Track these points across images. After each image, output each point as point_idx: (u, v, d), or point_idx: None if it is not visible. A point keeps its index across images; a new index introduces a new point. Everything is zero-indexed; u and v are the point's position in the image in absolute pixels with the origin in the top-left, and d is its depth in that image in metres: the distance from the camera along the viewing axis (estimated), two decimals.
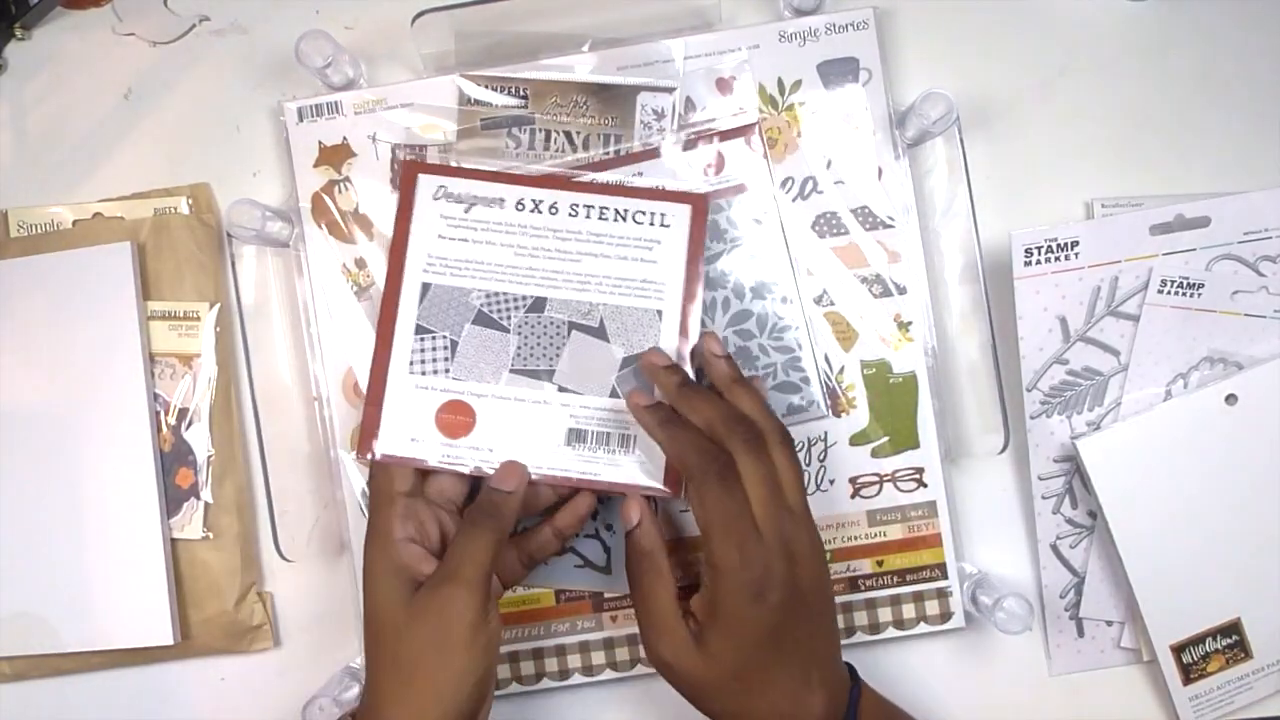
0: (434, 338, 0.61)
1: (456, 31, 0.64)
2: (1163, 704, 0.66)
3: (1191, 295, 0.63)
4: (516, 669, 0.65)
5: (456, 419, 0.61)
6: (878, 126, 0.65)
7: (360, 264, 0.65)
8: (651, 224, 0.62)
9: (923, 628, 0.65)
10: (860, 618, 0.65)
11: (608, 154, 0.64)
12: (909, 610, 0.65)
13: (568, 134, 0.64)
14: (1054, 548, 0.66)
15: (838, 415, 0.65)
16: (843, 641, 0.64)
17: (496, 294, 0.62)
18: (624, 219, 0.62)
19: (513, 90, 0.64)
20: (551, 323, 0.62)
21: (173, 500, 0.66)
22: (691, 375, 0.61)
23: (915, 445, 0.64)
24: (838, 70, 0.65)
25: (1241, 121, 0.67)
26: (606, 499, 0.64)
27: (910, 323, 0.64)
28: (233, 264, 0.64)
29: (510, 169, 0.64)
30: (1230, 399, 0.63)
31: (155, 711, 0.67)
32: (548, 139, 0.64)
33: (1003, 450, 0.63)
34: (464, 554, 0.55)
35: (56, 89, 0.69)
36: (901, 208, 0.64)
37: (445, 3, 0.63)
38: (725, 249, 0.64)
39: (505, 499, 0.58)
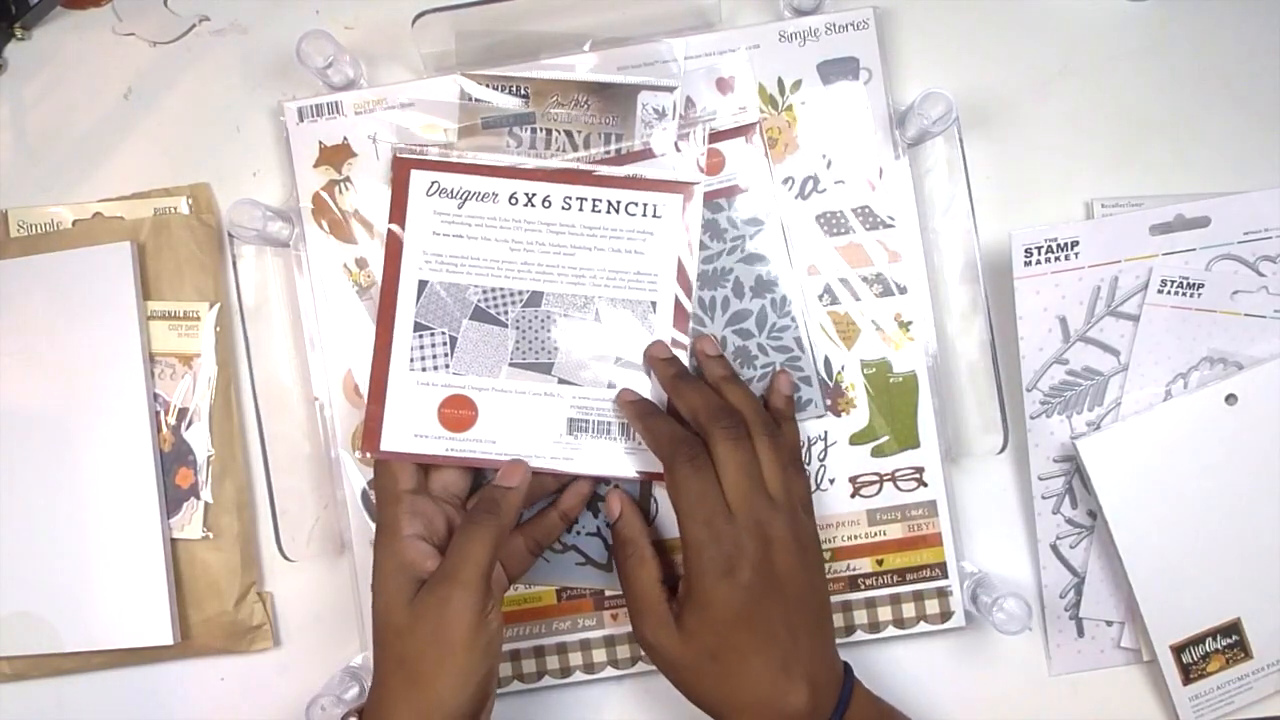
0: (432, 334, 0.62)
1: (457, 31, 0.64)
2: (1163, 704, 0.66)
3: (1191, 295, 0.64)
4: (518, 667, 0.65)
5: (459, 413, 0.62)
6: (878, 126, 0.65)
7: (361, 264, 0.65)
8: (644, 215, 0.63)
9: (923, 627, 0.65)
10: (860, 617, 0.65)
11: (608, 152, 0.64)
12: (909, 609, 0.65)
13: (568, 133, 0.64)
14: (1054, 548, 0.66)
15: (838, 414, 0.65)
16: (843, 640, 0.65)
17: (493, 289, 0.63)
18: (616, 211, 0.63)
19: (513, 89, 0.64)
20: (549, 316, 0.63)
21: (173, 500, 0.66)
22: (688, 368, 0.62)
23: (915, 444, 0.64)
24: (838, 70, 0.65)
25: (1241, 121, 0.67)
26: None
27: (911, 322, 0.64)
28: (233, 264, 0.64)
29: (502, 162, 0.64)
30: (1230, 399, 0.63)
31: (155, 711, 0.67)
32: (548, 138, 0.64)
33: (1002, 450, 0.63)
34: (463, 553, 0.55)
35: (56, 89, 0.69)
36: (902, 207, 0.64)
37: (445, 3, 0.63)
38: (725, 248, 0.64)
39: (506, 495, 0.58)
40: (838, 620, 0.65)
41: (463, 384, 0.62)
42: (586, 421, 0.62)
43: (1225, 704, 0.65)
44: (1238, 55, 0.67)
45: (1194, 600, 0.64)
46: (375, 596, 0.56)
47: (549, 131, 0.64)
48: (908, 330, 0.64)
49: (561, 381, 0.62)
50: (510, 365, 0.62)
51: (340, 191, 0.65)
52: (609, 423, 0.62)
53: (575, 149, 0.64)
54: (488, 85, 0.64)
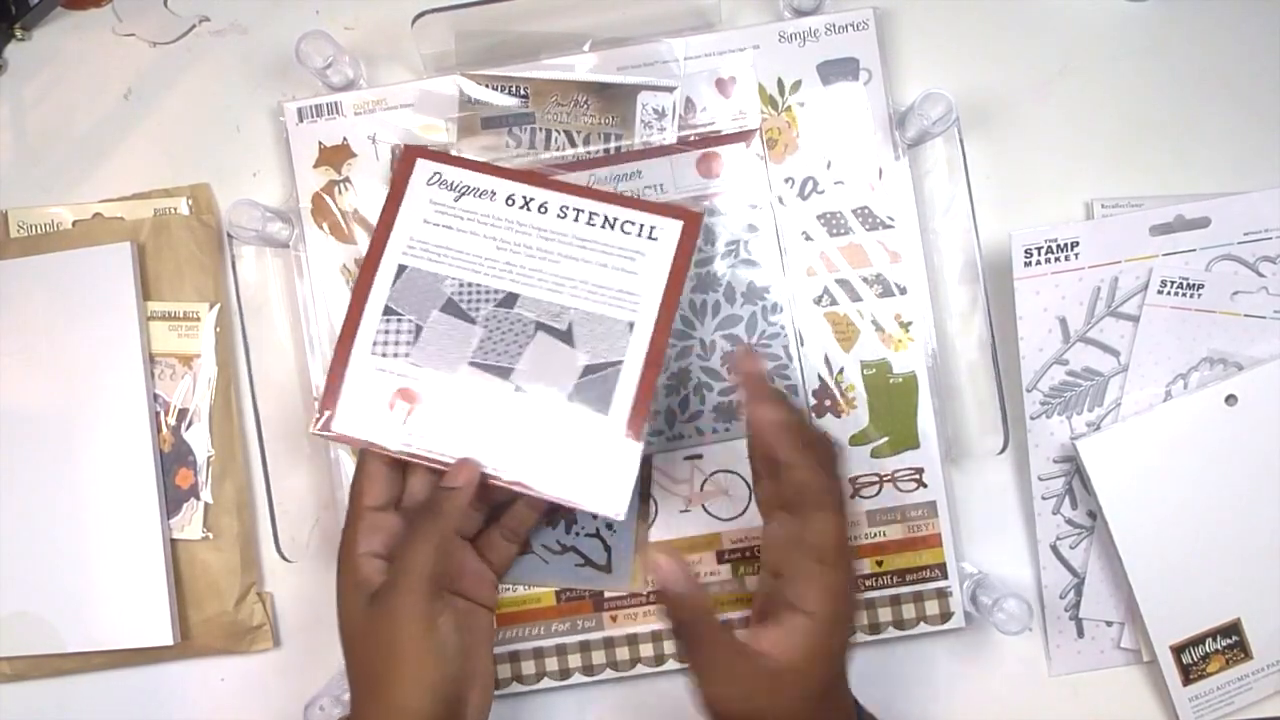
0: (400, 320, 0.60)
1: (457, 31, 0.64)
2: (1163, 704, 0.66)
3: (1191, 296, 0.64)
4: (517, 668, 0.65)
5: (410, 405, 0.59)
6: (878, 127, 0.65)
7: (360, 265, 0.65)
8: (640, 235, 0.61)
9: (923, 628, 0.65)
10: (860, 617, 0.65)
11: (608, 150, 0.64)
12: (909, 610, 0.65)
13: (568, 133, 0.64)
14: (1054, 548, 0.66)
15: (838, 415, 0.65)
16: None
17: (470, 284, 0.60)
18: (612, 227, 0.61)
19: (513, 90, 0.64)
20: (519, 320, 0.60)
21: (173, 500, 0.66)
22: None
23: (915, 445, 0.64)
24: (838, 70, 0.65)
25: (1241, 121, 0.67)
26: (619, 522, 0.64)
27: (911, 323, 0.64)
28: (233, 264, 0.64)
29: (508, 162, 0.64)
30: (1230, 399, 0.63)
31: (155, 711, 0.67)
32: (548, 138, 0.64)
33: (1002, 450, 0.63)
34: (403, 561, 0.55)
35: (56, 89, 0.69)
36: (901, 208, 0.64)
37: (445, 3, 0.63)
38: (718, 252, 0.64)
39: (448, 496, 0.56)
40: None
41: (419, 375, 0.60)
42: (536, 437, 0.59)
43: (1225, 704, 0.65)
44: (1238, 55, 0.67)
45: (1194, 600, 0.64)
46: (337, 608, 0.57)
47: (548, 132, 0.64)
48: (908, 331, 0.64)
49: (518, 389, 0.59)
50: (469, 364, 0.60)
51: (340, 192, 0.65)
52: (559, 441, 0.59)
53: (575, 149, 0.64)
54: (487, 85, 0.65)
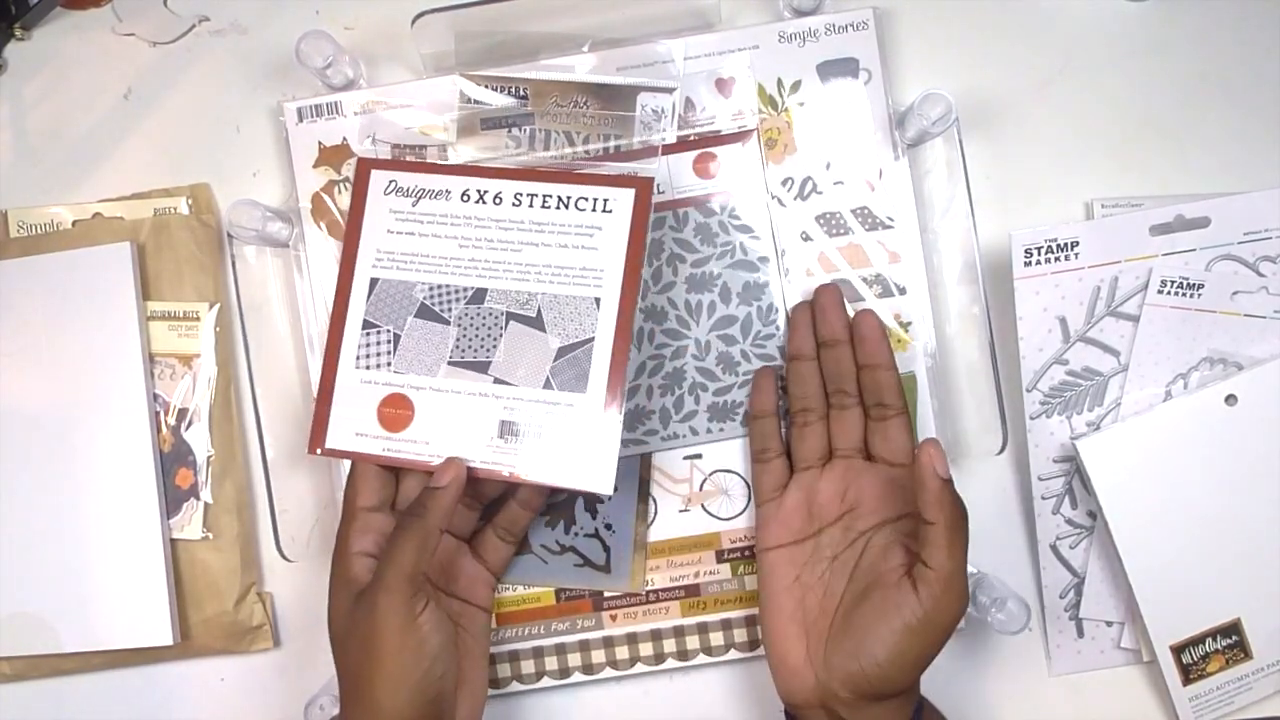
0: (379, 332, 0.61)
1: (456, 32, 0.64)
2: (1163, 704, 0.66)
3: (1191, 295, 0.63)
4: (517, 668, 0.65)
5: (396, 412, 0.60)
6: (877, 127, 0.65)
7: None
8: (594, 210, 0.61)
9: None
10: None
11: (606, 150, 0.64)
12: None
13: (567, 134, 0.64)
14: (1054, 548, 0.66)
15: None
16: None
17: (439, 286, 0.61)
18: (566, 206, 0.61)
19: (513, 90, 0.64)
20: (490, 313, 0.60)
21: (173, 500, 0.66)
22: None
23: (914, 445, 0.64)
24: (837, 71, 0.65)
25: (1241, 121, 0.67)
26: (610, 498, 0.64)
27: (910, 323, 0.64)
28: (233, 264, 0.64)
29: (502, 163, 0.64)
30: (1230, 399, 0.63)
31: (155, 712, 0.67)
32: (548, 139, 0.64)
33: (1002, 451, 0.63)
34: (387, 559, 0.55)
35: (56, 89, 0.69)
36: (901, 208, 0.64)
37: (445, 3, 0.63)
38: (715, 252, 0.64)
39: (435, 495, 0.56)
40: None
41: (402, 382, 0.60)
42: (517, 425, 0.59)
43: (1225, 704, 0.65)
44: (1238, 55, 0.67)
45: (1194, 600, 0.64)
46: (328, 612, 0.57)
47: (548, 132, 0.64)
48: (907, 331, 0.64)
49: (497, 381, 0.60)
50: (449, 364, 0.60)
51: (339, 192, 0.65)
52: (541, 427, 0.59)
53: (574, 149, 0.64)
54: (487, 86, 0.64)
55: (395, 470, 0.60)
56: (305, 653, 0.67)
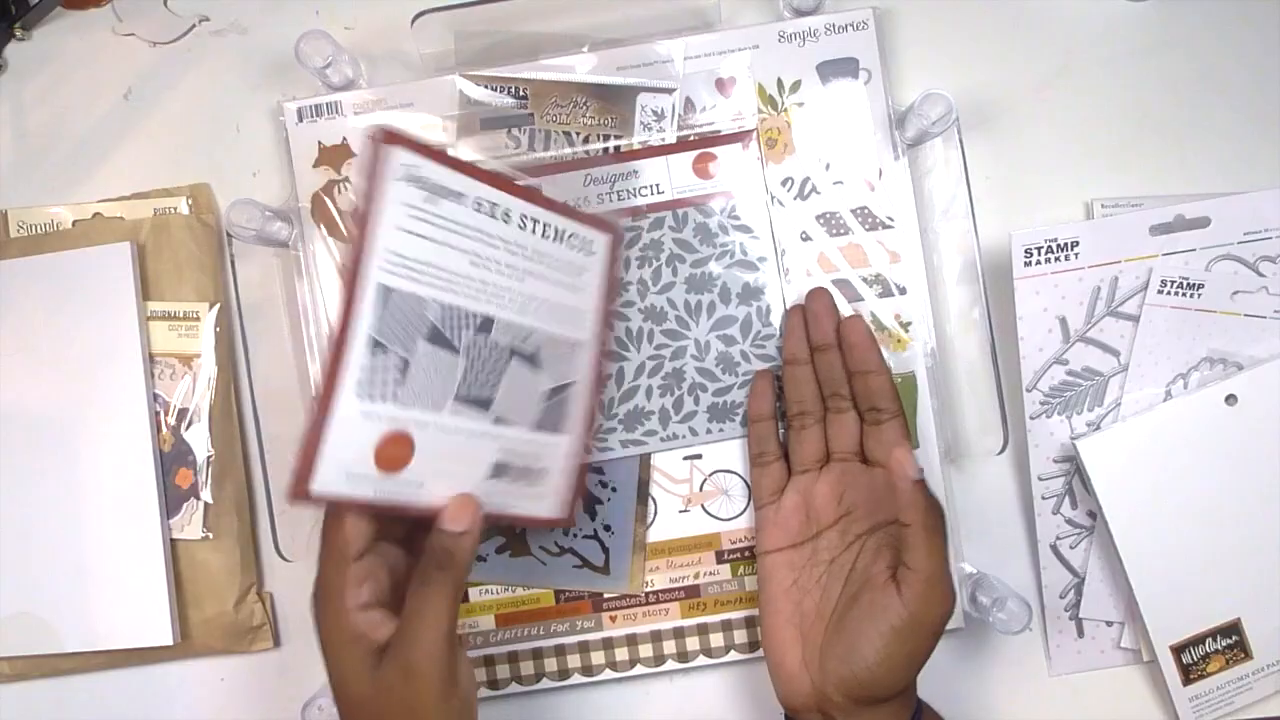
0: (387, 355, 0.52)
1: (456, 32, 0.64)
2: (1163, 704, 0.66)
3: (1191, 295, 0.63)
4: (516, 669, 0.65)
5: (395, 452, 0.52)
6: (877, 127, 0.65)
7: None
8: (579, 250, 0.58)
9: None
10: None
11: (605, 150, 0.64)
12: None
13: (567, 134, 0.64)
14: (1054, 548, 0.66)
15: None
16: None
17: (451, 307, 0.54)
18: (560, 240, 0.57)
19: (512, 90, 0.64)
20: (496, 346, 0.55)
21: (173, 500, 0.66)
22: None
23: (914, 446, 0.64)
24: (837, 70, 0.65)
25: (1241, 121, 0.67)
26: (609, 499, 0.64)
27: (910, 323, 0.64)
28: (232, 264, 0.64)
29: (484, 163, 0.62)
30: (1230, 399, 0.63)
31: (155, 711, 0.67)
32: (547, 139, 0.64)
33: (1002, 451, 0.63)
34: (420, 618, 0.50)
35: (56, 89, 0.69)
36: (901, 208, 0.64)
37: (445, 3, 0.63)
38: (714, 253, 0.64)
39: (458, 541, 0.51)
40: None
41: (407, 418, 0.52)
42: (509, 466, 0.56)
43: (1225, 704, 0.65)
44: (1238, 55, 0.67)
45: (1194, 600, 0.64)
46: (329, 666, 0.52)
47: (548, 133, 0.64)
48: (907, 331, 0.64)
49: (497, 421, 0.55)
50: (456, 399, 0.54)
51: (339, 192, 0.65)
52: (529, 468, 0.57)
53: (573, 149, 0.64)
54: (486, 86, 0.64)
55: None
56: (305, 653, 0.67)
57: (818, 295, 0.62)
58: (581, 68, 0.64)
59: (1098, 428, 0.65)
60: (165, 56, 0.69)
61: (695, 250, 0.64)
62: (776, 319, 0.64)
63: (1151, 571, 0.64)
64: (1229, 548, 0.64)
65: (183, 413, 0.66)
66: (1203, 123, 0.67)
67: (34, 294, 0.66)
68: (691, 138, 0.64)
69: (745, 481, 0.65)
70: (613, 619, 0.65)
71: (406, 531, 0.55)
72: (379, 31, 0.68)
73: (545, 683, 0.65)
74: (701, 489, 0.65)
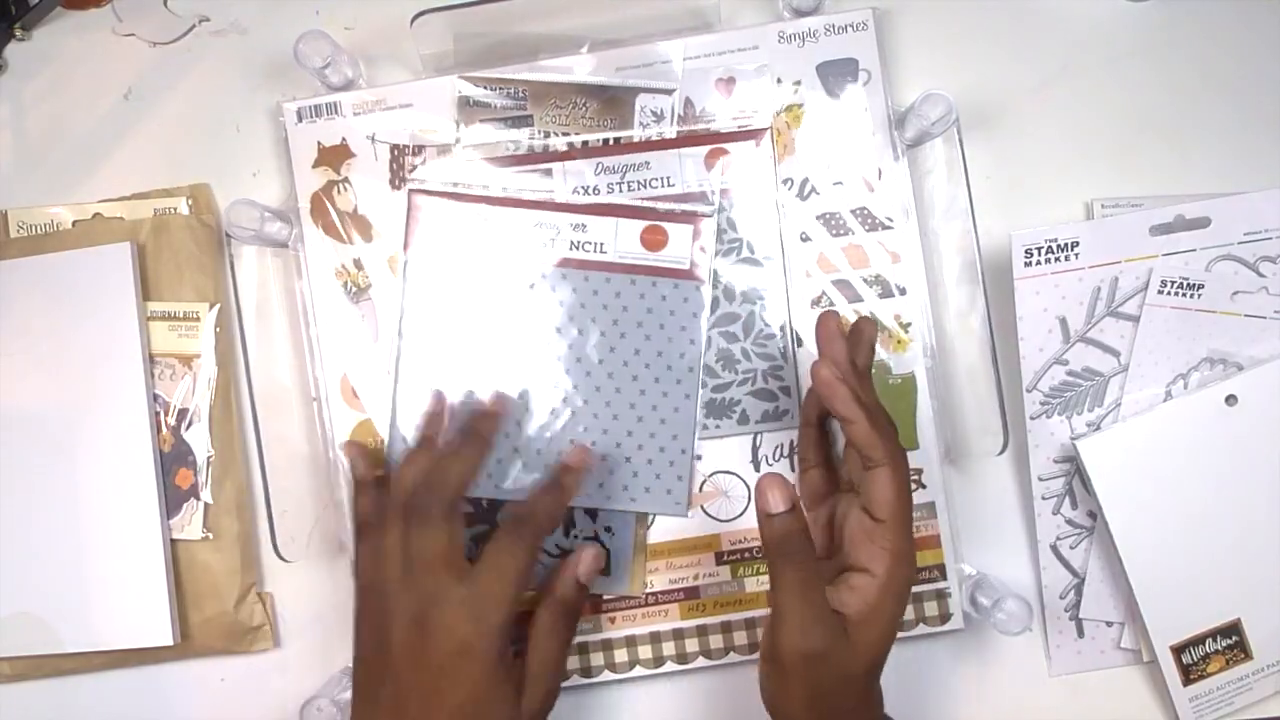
0: None
1: (455, 32, 0.64)
2: (1163, 705, 0.66)
3: (1191, 296, 0.63)
4: None
5: None
6: (877, 127, 0.64)
7: (358, 265, 0.65)
8: None
9: (921, 629, 0.65)
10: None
11: (606, 141, 0.64)
12: (908, 611, 0.65)
13: (566, 135, 0.64)
14: (1054, 548, 0.66)
15: None
16: None
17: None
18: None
19: (512, 92, 0.64)
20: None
21: (172, 501, 0.66)
22: None
23: (914, 446, 0.64)
24: (837, 71, 0.65)
25: (1241, 121, 0.67)
26: (606, 508, 0.64)
27: (910, 324, 0.64)
28: (232, 264, 0.64)
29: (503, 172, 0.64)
30: (1230, 399, 0.63)
31: (155, 712, 0.67)
32: (546, 140, 0.64)
33: (1002, 451, 0.63)
34: (557, 658, 0.59)
35: (56, 89, 0.69)
36: (901, 209, 0.64)
37: (445, 3, 0.63)
38: (721, 249, 0.64)
39: (582, 594, 0.61)
40: None
41: None
42: None
43: (1225, 705, 0.65)
44: (1238, 55, 0.67)
45: (1194, 601, 0.64)
46: (472, 698, 0.55)
47: (547, 134, 0.64)
48: (906, 331, 0.64)
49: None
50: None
51: (339, 192, 0.65)
52: None
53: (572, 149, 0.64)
54: (485, 87, 0.64)
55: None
56: (305, 653, 0.67)
57: (824, 370, 0.55)
58: (581, 68, 0.64)
59: (1098, 428, 0.65)
60: (165, 56, 0.69)
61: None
62: (779, 318, 0.64)
63: (1151, 571, 0.64)
64: (1229, 548, 0.64)
65: (183, 413, 0.66)
66: (1203, 123, 0.67)
67: (34, 294, 0.66)
68: (703, 133, 0.64)
69: (745, 482, 0.65)
70: (612, 620, 0.65)
71: None
72: (379, 31, 0.68)
73: None
74: (701, 490, 0.65)
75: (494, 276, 0.63)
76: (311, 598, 0.67)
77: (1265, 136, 0.67)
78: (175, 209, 0.67)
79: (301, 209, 0.65)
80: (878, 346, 0.64)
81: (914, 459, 0.64)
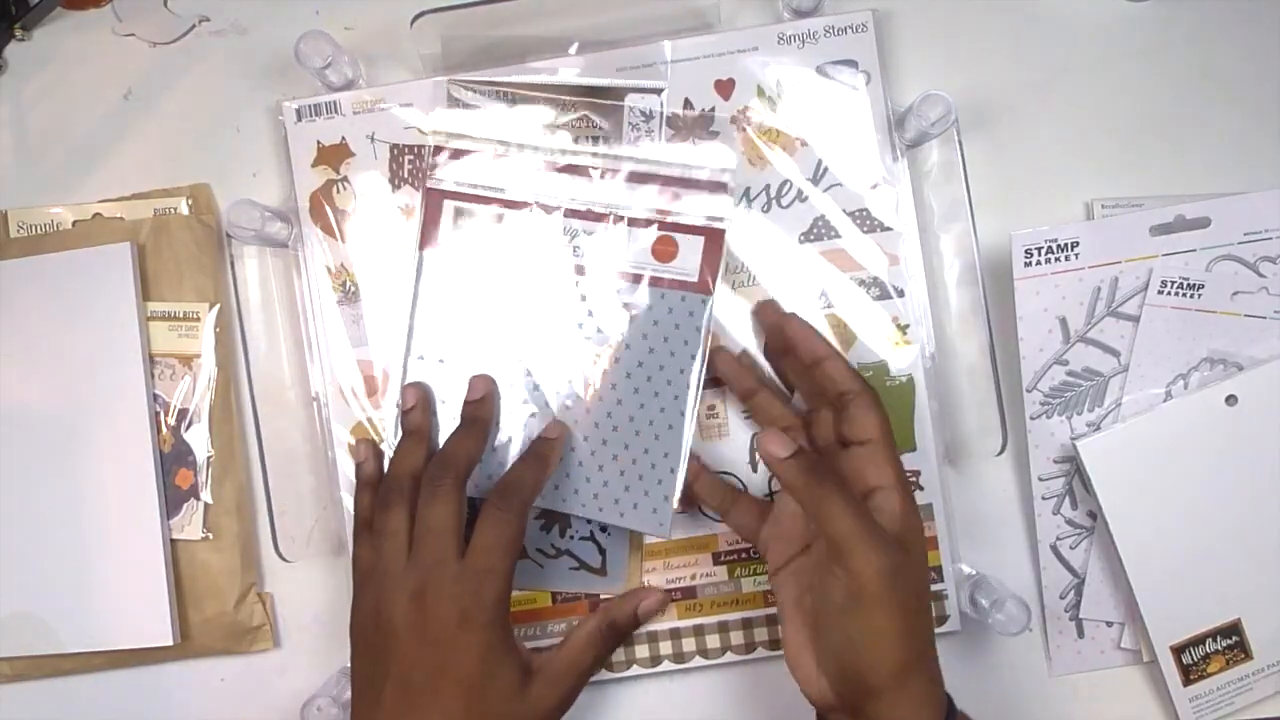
0: None
1: (443, 35, 0.63)
2: (1163, 705, 0.66)
3: (1191, 296, 0.63)
4: None
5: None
6: (876, 128, 0.64)
7: (348, 267, 0.65)
8: None
9: None
10: None
11: (595, 139, 0.64)
12: None
13: (558, 135, 0.64)
14: (1054, 548, 0.66)
15: None
16: None
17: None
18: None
19: (501, 94, 0.64)
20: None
21: (172, 501, 0.66)
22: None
23: (912, 448, 0.64)
24: (837, 72, 0.65)
25: (1241, 121, 0.67)
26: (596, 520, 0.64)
27: (908, 325, 0.64)
28: (232, 264, 0.64)
29: (503, 169, 0.64)
30: (1230, 399, 0.63)
31: (155, 712, 0.67)
32: (539, 140, 0.64)
33: (1001, 451, 0.63)
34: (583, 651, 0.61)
35: (56, 89, 0.69)
36: (900, 210, 0.64)
37: (445, 3, 0.63)
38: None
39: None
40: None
41: None
42: None
43: (1225, 705, 0.65)
44: (1238, 55, 0.67)
45: (1194, 601, 0.64)
46: (468, 680, 0.55)
47: (538, 134, 0.64)
48: (905, 333, 0.64)
49: None
50: None
51: (338, 192, 0.65)
52: None
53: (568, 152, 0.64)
54: (475, 90, 0.64)
55: None
56: (305, 653, 0.67)
57: (763, 310, 0.63)
58: (572, 69, 0.64)
59: (1098, 428, 0.65)
60: (165, 56, 0.69)
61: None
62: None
63: (1151, 571, 0.64)
64: (1229, 548, 0.64)
65: (183, 413, 0.66)
66: (1203, 123, 0.67)
67: (34, 294, 0.66)
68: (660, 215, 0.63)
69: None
70: None
71: None
72: (378, 32, 0.68)
73: None
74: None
75: (507, 279, 0.63)
76: (311, 598, 0.67)
77: (1265, 136, 0.67)
78: (175, 209, 0.67)
79: (302, 209, 0.65)
80: (877, 347, 0.64)
81: (912, 461, 0.64)
